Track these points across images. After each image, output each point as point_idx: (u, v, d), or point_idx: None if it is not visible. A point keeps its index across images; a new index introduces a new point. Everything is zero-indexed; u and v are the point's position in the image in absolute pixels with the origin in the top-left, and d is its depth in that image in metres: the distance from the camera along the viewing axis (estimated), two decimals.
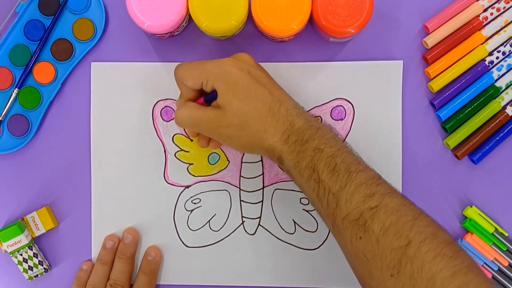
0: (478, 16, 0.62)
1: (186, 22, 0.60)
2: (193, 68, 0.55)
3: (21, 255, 0.62)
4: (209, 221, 0.63)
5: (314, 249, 0.63)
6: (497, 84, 0.61)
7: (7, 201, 0.64)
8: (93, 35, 0.62)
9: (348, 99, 0.62)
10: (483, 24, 0.62)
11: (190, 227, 0.63)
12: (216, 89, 0.53)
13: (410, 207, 0.48)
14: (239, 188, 0.63)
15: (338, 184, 0.49)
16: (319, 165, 0.50)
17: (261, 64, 0.62)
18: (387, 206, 0.48)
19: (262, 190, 0.63)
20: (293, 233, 0.63)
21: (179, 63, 0.62)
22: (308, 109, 0.62)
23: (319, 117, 0.62)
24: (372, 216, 0.47)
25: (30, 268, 0.62)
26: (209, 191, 0.63)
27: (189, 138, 0.63)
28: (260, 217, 0.63)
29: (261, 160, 0.63)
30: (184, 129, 0.63)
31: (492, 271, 0.62)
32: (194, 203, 0.63)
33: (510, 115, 0.61)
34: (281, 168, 0.54)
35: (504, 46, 0.62)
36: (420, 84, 0.63)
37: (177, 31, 0.61)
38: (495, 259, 0.62)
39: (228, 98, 0.53)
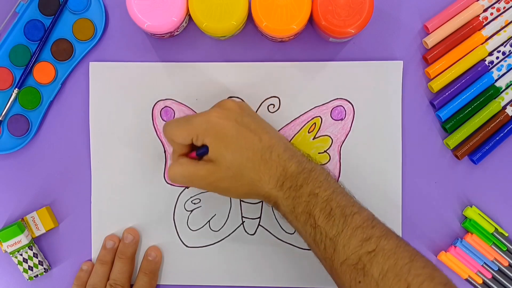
0: (478, 16, 0.62)
1: (186, 22, 0.60)
2: (181, 126, 0.55)
3: (21, 255, 0.62)
4: (209, 221, 0.63)
5: None
6: (497, 84, 0.61)
7: (7, 201, 0.64)
8: (93, 35, 0.62)
9: (348, 99, 0.62)
10: (483, 24, 0.62)
11: (190, 227, 0.63)
12: (207, 144, 0.54)
13: (406, 248, 0.49)
14: None
15: (335, 229, 0.50)
16: (314, 211, 0.51)
17: (261, 64, 0.62)
18: (384, 249, 0.49)
19: None
20: (293, 233, 0.63)
21: (179, 63, 0.63)
22: (308, 109, 0.62)
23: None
24: (371, 260, 0.48)
25: (30, 268, 0.62)
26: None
27: None
28: (260, 217, 0.63)
29: None
30: None
31: (492, 271, 0.62)
32: (194, 203, 0.63)
33: (510, 115, 0.61)
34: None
35: (504, 46, 0.62)
36: (420, 84, 0.62)
37: (177, 31, 0.61)
38: (495, 259, 0.62)
39: (220, 151, 0.53)
